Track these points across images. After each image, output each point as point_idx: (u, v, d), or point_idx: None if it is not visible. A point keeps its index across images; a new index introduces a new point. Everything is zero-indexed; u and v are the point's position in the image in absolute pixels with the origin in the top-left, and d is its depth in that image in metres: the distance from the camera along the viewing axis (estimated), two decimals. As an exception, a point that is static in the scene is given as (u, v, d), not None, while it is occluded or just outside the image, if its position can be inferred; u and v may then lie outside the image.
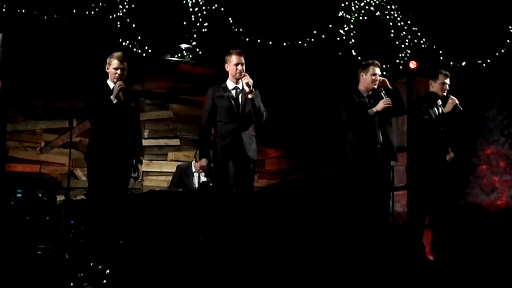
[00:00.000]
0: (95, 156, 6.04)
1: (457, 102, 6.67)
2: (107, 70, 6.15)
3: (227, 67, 6.31)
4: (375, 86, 6.43)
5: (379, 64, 6.51)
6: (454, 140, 6.86)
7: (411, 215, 6.77)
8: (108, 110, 5.98)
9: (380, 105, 6.28)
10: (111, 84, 6.08)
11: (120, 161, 6.04)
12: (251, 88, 6.12)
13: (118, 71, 6.08)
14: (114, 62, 6.12)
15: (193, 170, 8.27)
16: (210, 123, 6.31)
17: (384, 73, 9.41)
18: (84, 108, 6.30)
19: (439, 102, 6.81)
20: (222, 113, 6.25)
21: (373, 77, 6.40)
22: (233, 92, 6.29)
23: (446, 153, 6.73)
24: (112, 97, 5.98)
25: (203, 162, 6.35)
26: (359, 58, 9.04)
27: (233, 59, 6.25)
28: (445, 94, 6.77)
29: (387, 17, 9.62)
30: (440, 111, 6.73)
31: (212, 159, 6.42)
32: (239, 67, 6.22)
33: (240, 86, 6.29)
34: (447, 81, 6.77)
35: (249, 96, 6.14)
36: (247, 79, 6.13)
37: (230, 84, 6.32)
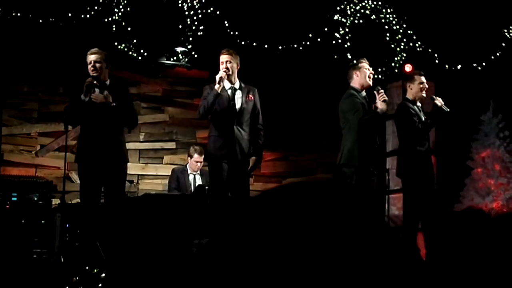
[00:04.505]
0: (81, 158, 6.03)
1: (442, 103, 6.65)
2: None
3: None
4: (371, 82, 6.43)
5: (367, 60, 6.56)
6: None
7: (405, 218, 6.76)
8: (78, 109, 5.91)
9: (381, 104, 6.27)
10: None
11: (107, 161, 5.99)
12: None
13: (91, 64, 6.01)
14: (87, 58, 6.05)
15: (189, 171, 8.27)
16: None
17: (380, 76, 9.45)
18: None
19: (419, 104, 6.83)
20: (218, 112, 6.22)
21: (368, 72, 6.40)
22: (229, 91, 6.28)
23: (431, 156, 6.74)
24: (82, 95, 5.91)
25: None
26: (355, 61, 9.05)
27: (220, 58, 6.28)
28: (424, 93, 6.78)
29: (383, 20, 9.64)
30: (422, 114, 6.75)
31: (205, 158, 6.46)
32: (224, 65, 6.21)
33: (236, 85, 6.29)
34: (424, 79, 6.79)
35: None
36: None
37: (226, 83, 6.30)
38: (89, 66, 6.01)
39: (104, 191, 6.09)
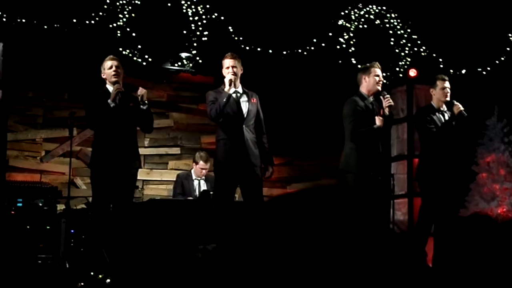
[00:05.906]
0: (99, 163, 6.01)
1: (462, 108, 6.63)
2: (103, 76, 6.15)
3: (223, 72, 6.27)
4: (379, 88, 6.37)
5: (379, 65, 6.48)
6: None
7: (419, 223, 6.68)
8: (106, 115, 5.95)
9: (379, 121, 6.23)
10: (110, 88, 6.07)
11: (124, 167, 6.00)
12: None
13: (113, 68, 6.08)
14: (107, 63, 6.12)
15: (193, 177, 8.27)
16: None
17: (384, 81, 9.45)
18: (84, 115, 6.27)
19: (444, 107, 6.78)
20: (227, 115, 6.15)
21: (377, 78, 6.34)
22: (234, 95, 6.24)
23: (455, 161, 6.69)
24: (109, 100, 5.95)
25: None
26: (359, 66, 9.05)
27: (224, 63, 6.25)
28: (448, 98, 6.75)
29: (387, 25, 9.63)
30: (446, 117, 6.71)
31: (214, 162, 6.38)
32: (230, 69, 6.18)
33: (240, 90, 6.27)
34: (447, 84, 6.74)
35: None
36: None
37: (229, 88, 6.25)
38: (110, 71, 6.07)
39: (115, 197, 6.05)
